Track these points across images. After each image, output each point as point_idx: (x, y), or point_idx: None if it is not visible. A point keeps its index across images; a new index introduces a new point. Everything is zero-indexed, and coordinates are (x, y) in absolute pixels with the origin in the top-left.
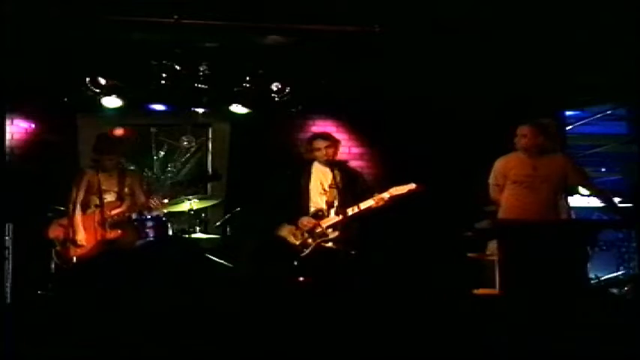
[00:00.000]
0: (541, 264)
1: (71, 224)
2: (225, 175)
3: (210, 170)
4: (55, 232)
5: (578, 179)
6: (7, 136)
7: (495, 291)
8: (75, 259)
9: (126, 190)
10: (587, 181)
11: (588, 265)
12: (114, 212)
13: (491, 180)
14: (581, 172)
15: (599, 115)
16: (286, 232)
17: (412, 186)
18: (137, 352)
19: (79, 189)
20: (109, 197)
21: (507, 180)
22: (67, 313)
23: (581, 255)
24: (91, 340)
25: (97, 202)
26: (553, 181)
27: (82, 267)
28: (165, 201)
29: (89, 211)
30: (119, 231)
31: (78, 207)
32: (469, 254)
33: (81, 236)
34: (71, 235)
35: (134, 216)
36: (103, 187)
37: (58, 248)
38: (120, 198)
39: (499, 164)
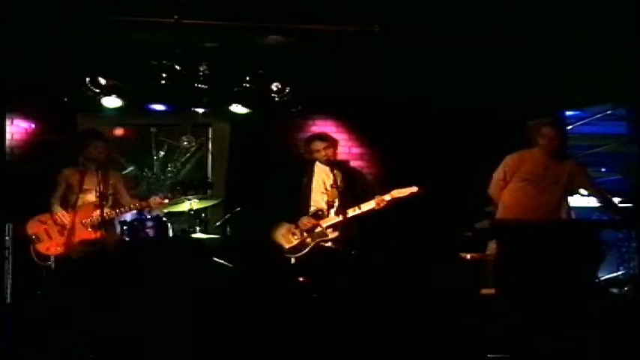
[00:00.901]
0: (541, 264)
1: (53, 221)
2: (224, 175)
3: (208, 175)
4: (33, 228)
5: (584, 183)
6: (7, 136)
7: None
8: (53, 257)
9: (110, 189)
10: (591, 185)
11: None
12: (99, 212)
13: (497, 175)
14: (587, 177)
15: (599, 115)
16: (284, 231)
17: (414, 189)
18: (137, 351)
19: (60, 186)
20: (91, 197)
21: (516, 177)
22: (66, 313)
23: (593, 255)
24: (91, 340)
25: (80, 201)
26: (561, 182)
27: (80, 267)
28: (166, 201)
29: (71, 210)
30: (101, 231)
31: (57, 204)
32: (468, 255)
33: (61, 234)
34: (50, 232)
35: (130, 217)
36: (86, 187)
37: (36, 245)
38: (104, 197)
39: (512, 160)
